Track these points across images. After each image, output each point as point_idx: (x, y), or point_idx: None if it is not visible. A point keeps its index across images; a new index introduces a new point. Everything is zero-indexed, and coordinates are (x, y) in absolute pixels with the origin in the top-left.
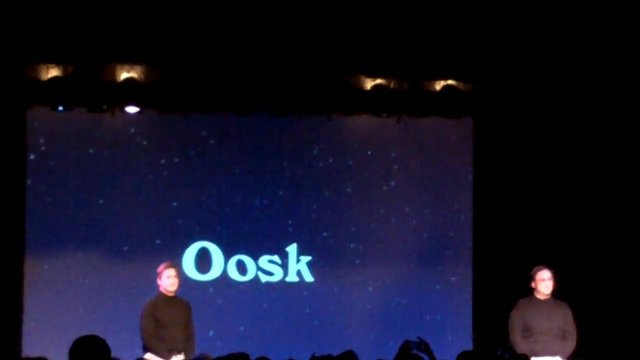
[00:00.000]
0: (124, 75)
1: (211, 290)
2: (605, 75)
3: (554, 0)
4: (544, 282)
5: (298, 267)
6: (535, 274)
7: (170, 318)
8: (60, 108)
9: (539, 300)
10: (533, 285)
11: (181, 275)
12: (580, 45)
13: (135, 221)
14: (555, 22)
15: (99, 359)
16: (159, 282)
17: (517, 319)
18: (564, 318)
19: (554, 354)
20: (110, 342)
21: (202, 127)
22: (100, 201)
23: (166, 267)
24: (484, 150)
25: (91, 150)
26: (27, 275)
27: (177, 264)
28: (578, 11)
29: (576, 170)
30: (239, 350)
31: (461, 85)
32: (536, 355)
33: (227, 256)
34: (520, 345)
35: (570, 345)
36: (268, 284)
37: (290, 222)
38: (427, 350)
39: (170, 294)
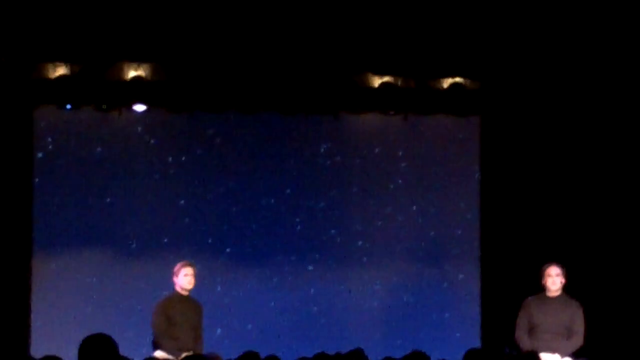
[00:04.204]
0: (131, 74)
1: (219, 288)
2: (613, 74)
3: None
4: (550, 278)
5: (305, 265)
6: (543, 270)
7: (182, 317)
8: (68, 107)
9: (548, 297)
10: (543, 281)
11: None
12: (588, 43)
13: (142, 220)
14: (563, 20)
15: (107, 358)
16: (175, 280)
17: (523, 317)
18: (571, 316)
19: (553, 351)
20: (117, 340)
21: (209, 126)
22: (108, 199)
23: (183, 266)
24: (491, 149)
25: (98, 149)
26: (34, 274)
27: (194, 263)
28: (586, 9)
29: (583, 167)
30: (247, 349)
31: (468, 84)
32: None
33: (234, 254)
34: (524, 342)
35: (574, 343)
36: (275, 282)
37: (297, 220)
38: None
39: (185, 293)
